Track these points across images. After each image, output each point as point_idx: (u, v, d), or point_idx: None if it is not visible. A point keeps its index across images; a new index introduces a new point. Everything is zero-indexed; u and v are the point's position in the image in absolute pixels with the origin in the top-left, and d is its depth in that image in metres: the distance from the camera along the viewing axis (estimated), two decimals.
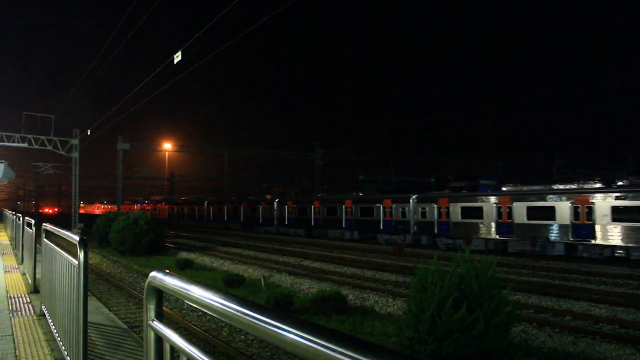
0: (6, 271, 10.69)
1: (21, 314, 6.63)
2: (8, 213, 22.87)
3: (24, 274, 10.04)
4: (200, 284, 1.52)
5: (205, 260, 23.01)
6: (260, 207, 46.81)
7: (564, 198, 23.03)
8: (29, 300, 7.53)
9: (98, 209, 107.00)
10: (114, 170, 55.83)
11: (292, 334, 1.02)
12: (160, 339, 1.79)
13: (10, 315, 6.52)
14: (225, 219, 53.16)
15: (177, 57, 16.12)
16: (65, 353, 4.21)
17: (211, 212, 56.65)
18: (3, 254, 14.19)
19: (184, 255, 24.68)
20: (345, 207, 35.47)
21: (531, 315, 11.58)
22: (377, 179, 58.72)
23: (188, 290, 1.54)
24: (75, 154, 40.57)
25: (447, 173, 58.75)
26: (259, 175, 76.68)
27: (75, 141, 40.56)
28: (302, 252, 25.74)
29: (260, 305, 1.20)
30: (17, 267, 11.37)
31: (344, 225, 35.47)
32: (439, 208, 28.45)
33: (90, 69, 47.15)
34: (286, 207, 42.69)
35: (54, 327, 4.99)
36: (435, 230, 28.49)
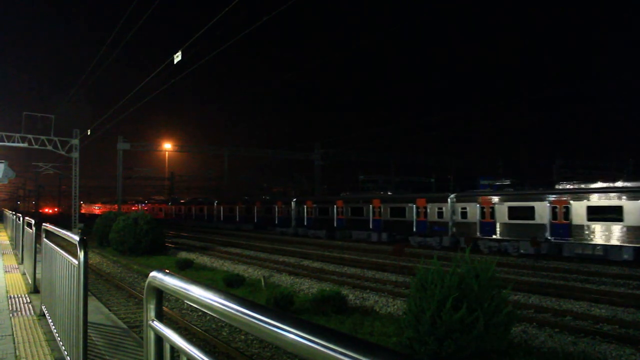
0: (6, 271, 10.69)
1: (21, 314, 6.63)
2: (8, 213, 22.87)
3: (24, 274, 10.04)
4: (200, 284, 1.52)
5: (205, 260, 23.01)
6: (276, 207, 44.03)
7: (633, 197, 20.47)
8: (29, 300, 7.53)
9: (98, 209, 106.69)
10: (114, 170, 55.80)
11: (292, 334, 1.02)
12: (160, 339, 1.79)
13: (10, 315, 6.52)
14: (237, 219, 50.38)
15: (177, 57, 16.12)
16: (65, 353, 4.21)
17: (221, 212, 53.87)
18: (3, 254, 14.19)
19: (184, 255, 24.67)
20: (373, 207, 32.92)
21: (531, 315, 11.58)
22: (377, 179, 58.77)
23: (188, 290, 1.54)
24: (75, 154, 40.57)
25: (447, 173, 58.88)
26: (259, 175, 76.79)
27: (75, 141, 40.57)
28: (302, 252, 25.73)
29: (260, 305, 1.21)
30: (17, 267, 11.37)
31: (371, 227, 33.02)
32: (482, 208, 26.05)
33: (90, 69, 47.21)
34: (305, 207, 39.89)
35: (54, 327, 4.99)
36: (478, 232, 26.11)
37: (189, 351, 1.55)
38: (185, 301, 1.60)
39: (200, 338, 9.75)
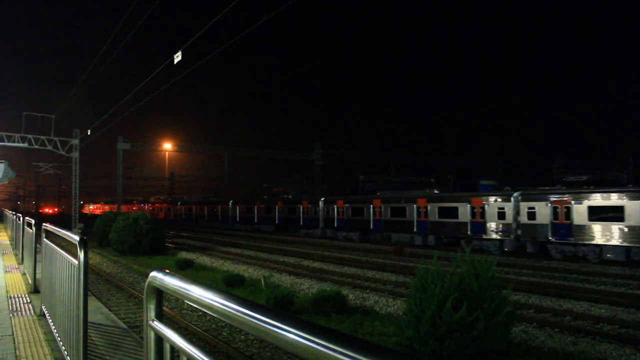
0: (6, 271, 10.69)
1: (21, 314, 6.63)
2: (8, 213, 22.88)
3: (24, 274, 10.04)
4: (200, 284, 1.52)
5: (205, 260, 23.01)
6: (301, 207, 40.65)
7: None
8: (29, 300, 7.53)
9: (97, 209, 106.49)
10: (114, 170, 55.77)
11: (292, 334, 1.02)
12: (160, 339, 1.79)
13: (11, 315, 6.53)
14: (256, 220, 47.18)
15: (177, 57, 16.13)
16: (65, 353, 4.21)
17: (237, 212, 50.63)
18: (3, 254, 14.19)
19: (184, 255, 24.68)
20: (418, 207, 30.02)
21: (531, 315, 11.58)
22: (377, 179, 58.76)
23: (188, 290, 1.54)
24: (75, 154, 40.57)
25: (447, 173, 58.88)
26: (259, 175, 76.77)
27: (75, 141, 40.57)
28: (302, 252, 25.74)
29: (260, 305, 1.21)
30: (17, 267, 11.37)
31: (415, 229, 30.01)
32: (554, 207, 23.24)
33: (90, 69, 47.15)
34: (335, 207, 36.74)
35: (54, 327, 4.99)
36: (549, 235, 23.23)
37: (189, 351, 1.55)
38: (185, 301, 1.60)
39: (200, 338, 9.75)
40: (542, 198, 24.09)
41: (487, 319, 7.59)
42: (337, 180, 62.46)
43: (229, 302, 1.30)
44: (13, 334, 5.54)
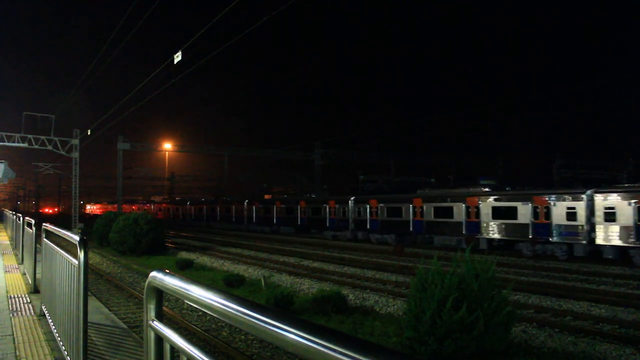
0: (6, 271, 10.69)
1: (21, 314, 6.63)
2: (8, 213, 22.88)
3: (24, 274, 10.04)
4: (200, 284, 1.52)
5: (205, 260, 23.02)
6: (328, 207, 37.50)
7: None
8: (29, 300, 7.53)
9: (99, 210, 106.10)
10: (114, 170, 55.72)
11: (292, 334, 1.02)
12: (160, 339, 1.79)
13: (11, 315, 6.53)
14: (275, 221, 44.04)
15: (177, 57, 16.13)
16: (65, 353, 4.21)
17: (254, 212, 47.29)
18: (3, 254, 14.19)
19: (184, 255, 24.68)
20: (467, 207, 27.17)
21: (531, 315, 11.59)
22: (377, 179, 58.76)
23: (188, 290, 1.54)
24: (75, 154, 40.58)
25: (447, 173, 58.94)
26: (259, 175, 76.79)
27: (75, 141, 40.57)
28: (302, 252, 25.74)
29: (260, 305, 1.21)
30: (17, 267, 11.37)
31: (464, 231, 27.14)
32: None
33: (90, 69, 47.13)
34: (368, 207, 33.79)
35: (54, 327, 4.99)
36: (635, 238, 20.31)
37: (189, 351, 1.55)
38: (185, 301, 1.60)
39: (200, 338, 9.75)
40: (627, 195, 21.11)
41: (487, 319, 7.59)
42: (337, 180, 62.43)
43: (229, 302, 1.30)
44: (13, 334, 5.54)
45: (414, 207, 30.55)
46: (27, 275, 9.24)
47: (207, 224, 55.39)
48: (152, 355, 1.82)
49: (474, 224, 26.84)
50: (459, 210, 27.62)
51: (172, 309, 11.95)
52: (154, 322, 1.83)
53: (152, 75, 20.30)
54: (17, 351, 4.91)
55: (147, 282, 1.85)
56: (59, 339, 4.59)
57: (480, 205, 26.55)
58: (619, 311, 11.73)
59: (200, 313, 11.80)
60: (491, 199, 26.35)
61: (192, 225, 56.90)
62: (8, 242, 17.85)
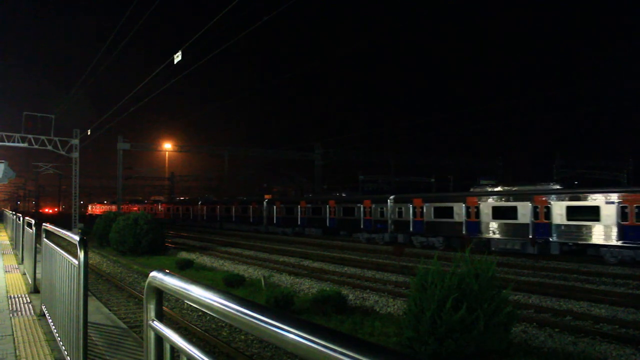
0: (6, 271, 10.70)
1: (21, 314, 6.63)
2: (8, 213, 22.88)
3: (24, 274, 10.04)
4: (200, 284, 1.52)
5: (205, 260, 23.02)
6: (362, 207, 34.21)
7: None
8: (29, 300, 7.53)
9: (100, 210, 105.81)
10: (114, 170, 55.70)
11: (292, 334, 1.02)
12: (160, 339, 1.79)
13: (11, 315, 6.53)
14: (299, 222, 40.81)
15: (177, 57, 16.13)
16: (65, 353, 4.21)
17: (275, 213, 43.93)
18: (3, 254, 14.19)
19: (184, 255, 24.68)
20: (535, 207, 23.82)
21: (531, 315, 11.58)
22: (377, 179, 58.79)
23: (188, 290, 1.54)
24: (75, 154, 40.59)
25: (447, 173, 58.95)
26: (259, 175, 76.80)
27: (75, 141, 40.59)
28: (302, 252, 25.74)
29: (260, 305, 1.21)
30: (17, 267, 11.38)
31: (530, 234, 23.69)
32: None
33: (90, 69, 47.16)
34: (411, 206, 30.29)
35: (54, 327, 4.99)
36: None
37: (189, 351, 1.55)
38: (185, 301, 1.60)
39: (200, 338, 9.75)
40: None
41: (487, 319, 7.59)
42: (337, 180, 62.39)
43: (229, 302, 1.30)
44: (13, 334, 5.54)
45: (467, 207, 27.03)
46: (27, 275, 9.24)
47: (220, 226, 52.17)
48: (152, 355, 1.82)
49: (544, 226, 23.38)
50: (525, 210, 24.19)
51: (172, 309, 11.95)
52: (154, 322, 1.83)
53: (152, 75, 20.31)
54: (17, 351, 4.91)
55: (147, 282, 1.85)
56: (59, 339, 4.59)
57: (552, 205, 23.19)
58: (619, 311, 11.73)
59: (200, 313, 11.80)
60: (566, 198, 22.99)
61: (204, 226, 53.79)
62: (8, 242, 17.86)
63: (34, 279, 8.09)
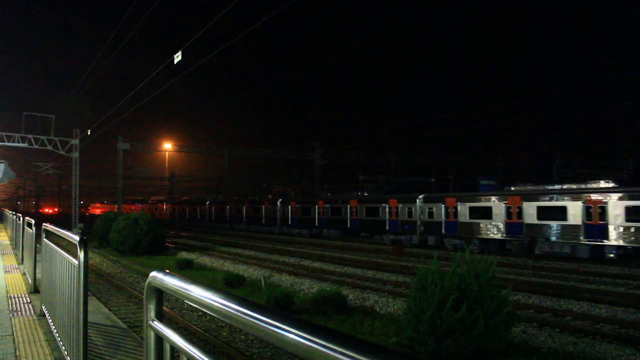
0: (6, 271, 10.70)
1: (21, 314, 6.63)
2: (8, 213, 22.89)
3: (24, 274, 10.04)
4: (200, 284, 1.52)
5: (205, 260, 23.02)
6: (387, 207, 31.97)
7: None
8: (29, 300, 7.53)
9: (99, 209, 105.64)
10: (114, 170, 55.65)
11: (292, 334, 1.02)
12: (160, 339, 1.79)
13: (11, 315, 6.53)
14: (317, 223, 38.72)
15: (177, 57, 16.13)
16: (65, 353, 4.21)
17: (290, 213, 42.09)
18: (3, 254, 14.19)
19: (184, 255, 24.68)
20: (587, 207, 21.90)
21: (531, 315, 11.59)
22: (377, 179, 58.78)
23: (188, 290, 1.54)
24: (75, 154, 40.60)
25: (447, 173, 58.95)
26: (259, 175, 76.77)
27: (75, 141, 40.59)
28: (302, 252, 25.74)
29: (260, 305, 1.21)
30: (17, 267, 11.38)
31: (582, 236, 21.82)
32: None
33: (90, 69, 47.20)
34: (443, 206, 28.18)
35: (54, 327, 4.99)
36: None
37: (189, 351, 1.55)
38: (185, 301, 1.60)
39: (200, 338, 9.76)
40: None
41: (487, 319, 7.59)
42: (337, 180, 62.37)
43: (229, 302, 1.30)
44: (13, 334, 5.54)
45: (507, 207, 25.08)
46: (27, 275, 9.24)
47: (230, 227, 50.21)
48: (152, 355, 1.82)
49: (599, 228, 21.46)
50: (576, 211, 22.27)
51: (172, 309, 11.95)
52: (154, 322, 1.83)
53: (152, 75, 20.31)
54: (17, 351, 4.91)
55: (147, 282, 1.85)
56: (59, 339, 4.59)
57: (609, 204, 21.19)
58: (619, 311, 11.73)
59: (200, 313, 11.80)
60: (624, 196, 21.07)
61: (212, 227, 51.82)
62: (8, 242, 17.86)
63: (34, 279, 8.09)
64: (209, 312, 1.42)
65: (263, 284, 15.74)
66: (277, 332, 1.07)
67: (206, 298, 1.42)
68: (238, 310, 1.25)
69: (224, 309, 1.31)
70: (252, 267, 20.12)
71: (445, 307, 7.56)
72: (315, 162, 56.91)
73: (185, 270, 19.58)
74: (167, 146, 54.85)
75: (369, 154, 59.05)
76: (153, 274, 1.82)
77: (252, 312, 1.19)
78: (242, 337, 9.93)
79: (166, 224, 56.97)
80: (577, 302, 12.77)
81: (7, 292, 8.22)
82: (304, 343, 0.98)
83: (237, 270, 19.21)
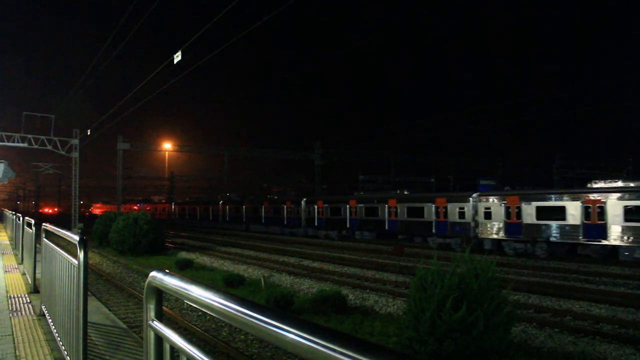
0: (6, 271, 10.69)
1: (21, 314, 6.63)
2: (8, 213, 22.88)
3: (24, 274, 10.04)
4: (200, 284, 1.52)
5: (205, 260, 23.01)
6: (433, 207, 29.04)
7: None
8: (29, 300, 7.53)
9: (100, 210, 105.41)
10: (114, 170, 55.60)
11: (292, 334, 1.02)
12: (160, 339, 1.79)
13: (10, 315, 6.52)
14: (348, 224, 35.42)
15: (177, 57, 16.12)
16: (65, 353, 4.21)
17: (315, 213, 38.47)
18: (3, 254, 14.19)
19: (184, 255, 24.67)
20: None
21: (531, 315, 11.58)
22: (377, 179, 58.79)
23: (188, 290, 1.54)
24: (75, 154, 40.59)
25: (447, 173, 58.99)
26: (259, 175, 76.79)
27: (75, 141, 40.58)
28: (302, 252, 25.73)
29: (260, 305, 1.21)
30: (17, 267, 11.37)
31: None
32: None
33: (90, 68, 47.12)
34: (503, 205, 25.26)
35: (54, 327, 4.99)
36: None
37: (189, 351, 1.55)
38: (185, 301, 1.60)
39: (200, 338, 9.75)
40: None
41: (487, 319, 7.59)
42: (337, 180, 62.36)
43: (229, 302, 1.30)
44: (13, 334, 5.54)
45: (585, 206, 21.70)
46: (27, 275, 9.23)
47: (246, 228, 47.24)
48: (152, 355, 1.82)
49: None
50: None
51: (172, 309, 11.95)
52: (154, 322, 1.83)
53: (152, 75, 20.30)
54: (17, 351, 4.91)
55: (147, 282, 1.85)
56: (59, 339, 4.59)
57: None
58: (619, 311, 11.73)
59: (200, 313, 11.80)
60: None
61: (226, 228, 49.30)
62: (8, 242, 17.85)
63: (34, 279, 8.09)
64: (208, 312, 1.42)
65: (263, 284, 15.74)
66: (277, 332, 1.07)
67: (206, 298, 1.42)
68: (238, 310, 1.24)
69: (223, 309, 1.31)
70: (252, 267, 20.11)
71: (445, 307, 7.55)
72: (315, 162, 56.91)
73: (185, 270, 19.57)
74: (167, 146, 54.86)
75: (369, 154, 59.06)
76: (153, 273, 1.82)
77: (252, 312, 1.19)
78: (242, 337, 9.93)
79: (174, 224, 56.38)
80: (577, 302, 12.77)
81: (7, 292, 8.22)
82: (304, 343, 0.98)
83: (237, 270, 19.21)
